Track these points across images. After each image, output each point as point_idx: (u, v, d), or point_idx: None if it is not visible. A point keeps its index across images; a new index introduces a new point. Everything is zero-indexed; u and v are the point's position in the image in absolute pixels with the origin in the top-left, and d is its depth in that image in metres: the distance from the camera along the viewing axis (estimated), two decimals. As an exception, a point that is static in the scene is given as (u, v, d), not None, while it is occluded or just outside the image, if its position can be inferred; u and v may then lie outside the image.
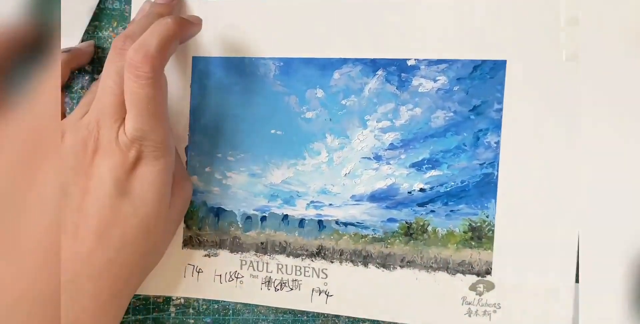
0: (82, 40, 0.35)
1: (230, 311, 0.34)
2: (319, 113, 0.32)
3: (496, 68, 0.30)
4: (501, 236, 0.30)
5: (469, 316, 0.31)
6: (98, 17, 0.35)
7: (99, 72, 0.35)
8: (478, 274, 0.31)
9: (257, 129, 0.33)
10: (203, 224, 0.34)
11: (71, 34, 0.34)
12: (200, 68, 0.34)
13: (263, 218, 0.33)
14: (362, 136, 0.32)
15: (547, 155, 0.29)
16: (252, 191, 0.34)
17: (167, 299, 0.35)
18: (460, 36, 0.30)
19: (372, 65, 0.31)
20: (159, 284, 0.34)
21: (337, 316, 0.33)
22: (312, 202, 0.33)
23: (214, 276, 0.34)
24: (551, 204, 0.30)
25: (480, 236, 0.31)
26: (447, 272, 0.31)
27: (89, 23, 0.34)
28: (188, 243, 0.34)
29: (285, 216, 0.33)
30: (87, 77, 0.35)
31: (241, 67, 0.33)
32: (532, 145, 0.30)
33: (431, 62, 0.31)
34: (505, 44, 0.30)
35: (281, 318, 0.34)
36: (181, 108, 0.34)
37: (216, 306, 0.35)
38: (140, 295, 0.35)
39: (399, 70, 0.31)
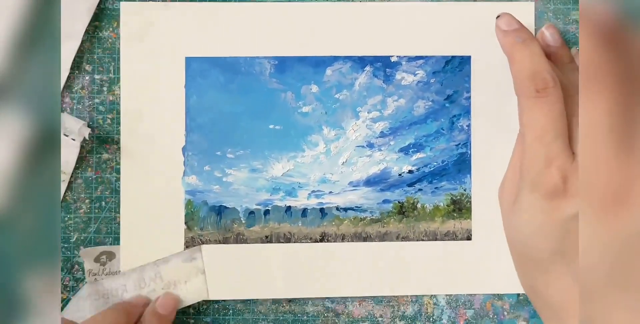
0: (82, 41, 0.33)
1: (230, 311, 0.34)
2: (314, 107, 0.34)
3: (463, 62, 0.35)
4: (477, 206, 0.35)
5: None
6: (98, 17, 0.34)
7: (99, 72, 0.34)
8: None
9: (256, 126, 0.34)
10: (205, 224, 0.34)
11: (71, 34, 0.33)
12: (193, 68, 0.34)
13: (266, 212, 0.34)
14: (356, 126, 0.35)
15: (508, 133, 0.35)
16: (254, 186, 0.34)
17: (169, 303, 0.34)
18: (433, 36, 0.35)
19: (361, 62, 0.35)
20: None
21: (337, 316, 0.35)
22: (313, 191, 0.35)
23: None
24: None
25: (460, 207, 0.35)
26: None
27: (89, 23, 0.33)
28: (190, 244, 0.34)
29: (288, 208, 0.35)
30: (87, 77, 0.33)
31: (236, 67, 0.34)
32: (496, 126, 0.35)
33: (410, 59, 0.35)
34: (469, 43, 0.35)
35: (281, 318, 0.35)
36: (176, 109, 0.34)
37: (216, 306, 0.34)
38: (141, 298, 0.34)
39: (384, 66, 0.35)
